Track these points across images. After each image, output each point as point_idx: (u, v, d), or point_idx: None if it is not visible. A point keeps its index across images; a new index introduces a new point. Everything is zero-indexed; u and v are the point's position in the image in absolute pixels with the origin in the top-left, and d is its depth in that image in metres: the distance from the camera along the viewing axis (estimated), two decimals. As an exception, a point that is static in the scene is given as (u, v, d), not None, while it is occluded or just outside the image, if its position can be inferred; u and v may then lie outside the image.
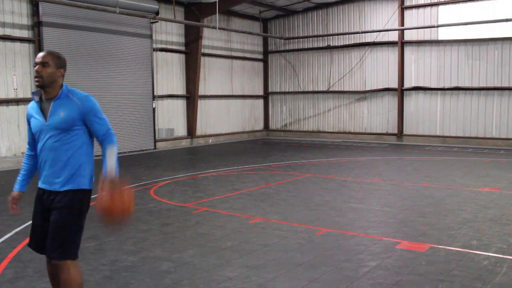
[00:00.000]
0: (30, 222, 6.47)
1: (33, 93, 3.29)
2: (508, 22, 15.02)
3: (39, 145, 3.28)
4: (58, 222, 3.21)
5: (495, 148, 15.34)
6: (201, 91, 17.84)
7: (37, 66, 3.18)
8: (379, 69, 18.18)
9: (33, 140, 3.41)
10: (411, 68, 17.44)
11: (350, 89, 18.95)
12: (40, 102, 3.26)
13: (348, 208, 7.24)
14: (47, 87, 3.20)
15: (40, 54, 3.23)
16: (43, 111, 3.24)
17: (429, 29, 16.74)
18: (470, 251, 5.12)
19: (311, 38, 19.78)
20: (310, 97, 20.07)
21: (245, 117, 20.41)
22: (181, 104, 17.46)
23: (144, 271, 4.61)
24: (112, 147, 3.25)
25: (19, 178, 3.62)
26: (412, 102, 17.55)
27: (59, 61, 3.24)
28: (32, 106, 3.32)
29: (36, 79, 3.18)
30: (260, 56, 21.06)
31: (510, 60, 15.60)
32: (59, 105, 3.20)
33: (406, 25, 17.28)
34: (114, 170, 3.16)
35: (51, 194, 3.28)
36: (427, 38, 17.01)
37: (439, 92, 16.94)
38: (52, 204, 3.25)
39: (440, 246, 5.29)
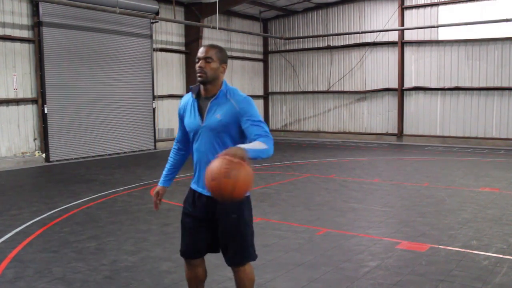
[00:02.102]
0: (31, 222, 6.51)
1: (191, 88, 3.13)
2: (508, 22, 15.02)
3: (194, 145, 3.12)
4: (232, 230, 3.07)
5: (495, 148, 15.33)
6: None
7: (200, 61, 2.98)
8: (379, 69, 18.17)
9: (183, 136, 3.27)
10: (411, 68, 17.44)
11: (350, 89, 18.94)
12: (197, 99, 3.09)
13: (348, 208, 7.24)
14: (209, 84, 3.01)
15: (203, 48, 3.02)
16: (200, 110, 3.06)
17: (429, 29, 16.73)
18: (470, 251, 5.12)
19: (311, 38, 19.78)
20: (310, 97, 20.07)
21: (245, 117, 20.38)
22: (181, 104, 17.43)
23: (144, 271, 4.61)
24: (261, 144, 2.83)
25: (164, 173, 3.52)
26: (412, 102, 17.55)
27: (221, 56, 3.04)
28: (187, 101, 3.15)
29: (199, 75, 2.98)
30: (260, 56, 21.07)
31: (510, 60, 15.60)
32: (216, 105, 3.00)
33: (406, 25, 17.28)
34: (247, 150, 2.71)
35: (209, 199, 3.05)
36: (427, 38, 17.00)
37: (439, 92, 16.93)
38: (217, 210, 3.07)
39: (440, 246, 5.29)
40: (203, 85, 3.03)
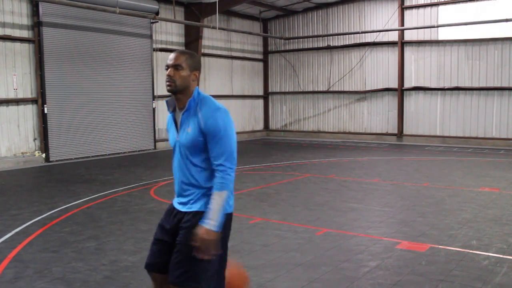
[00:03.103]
0: (31, 222, 6.51)
1: (166, 102, 2.90)
2: (508, 22, 15.02)
3: (174, 161, 2.88)
4: (184, 243, 2.71)
5: (495, 148, 15.33)
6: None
7: (169, 69, 2.75)
8: (379, 69, 18.17)
9: None
10: (411, 68, 17.44)
11: (350, 89, 18.94)
12: (174, 113, 2.88)
13: (348, 208, 7.24)
14: (179, 94, 2.77)
15: (172, 55, 2.78)
16: (176, 123, 2.86)
17: (429, 29, 16.73)
18: (470, 251, 5.12)
19: (311, 38, 19.78)
20: (310, 97, 20.07)
21: (245, 117, 20.40)
22: (181, 104, 17.43)
23: (144, 271, 4.59)
24: (218, 195, 2.64)
25: None
26: (412, 102, 17.55)
27: (193, 62, 2.79)
28: (169, 116, 2.95)
29: (167, 84, 2.76)
30: (260, 56, 21.06)
31: (510, 60, 15.59)
32: (186, 118, 2.76)
33: (406, 25, 17.27)
34: (213, 227, 2.61)
35: (180, 214, 2.84)
36: (427, 38, 17.00)
37: (439, 92, 16.93)
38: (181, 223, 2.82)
39: (440, 246, 5.29)
40: (173, 94, 2.80)
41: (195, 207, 2.76)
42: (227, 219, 2.79)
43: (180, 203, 2.84)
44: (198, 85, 2.86)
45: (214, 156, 2.68)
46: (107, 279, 4.41)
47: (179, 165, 2.82)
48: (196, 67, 2.81)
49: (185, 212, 2.78)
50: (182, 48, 17.28)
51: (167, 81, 2.77)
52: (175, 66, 2.74)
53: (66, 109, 13.17)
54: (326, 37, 19.29)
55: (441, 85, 16.85)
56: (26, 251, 5.25)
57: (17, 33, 12.33)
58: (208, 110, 2.72)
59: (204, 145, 2.72)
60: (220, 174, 2.66)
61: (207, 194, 2.75)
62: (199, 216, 2.71)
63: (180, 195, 2.85)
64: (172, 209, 2.91)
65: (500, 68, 15.75)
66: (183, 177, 2.80)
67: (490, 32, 15.68)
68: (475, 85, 16.21)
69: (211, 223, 2.61)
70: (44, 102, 12.65)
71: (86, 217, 6.76)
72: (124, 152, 14.69)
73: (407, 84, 17.54)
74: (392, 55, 17.76)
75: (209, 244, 2.60)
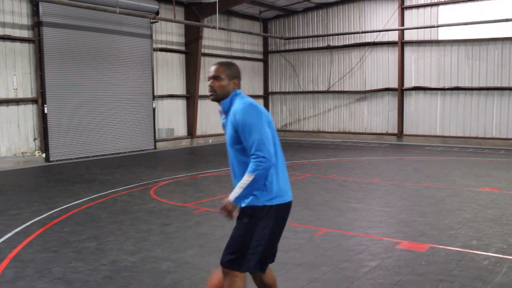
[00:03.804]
0: (31, 222, 6.51)
1: (219, 111, 3.25)
2: (508, 22, 15.02)
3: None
4: (237, 231, 3.11)
5: (495, 148, 15.34)
6: (201, 91, 17.83)
7: (210, 81, 3.11)
8: (379, 69, 18.17)
9: None
10: (411, 68, 17.44)
11: (350, 89, 18.95)
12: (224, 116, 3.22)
13: (348, 208, 7.24)
14: (221, 101, 3.12)
15: (213, 67, 3.13)
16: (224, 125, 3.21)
17: (429, 29, 16.73)
18: (470, 251, 5.12)
19: (311, 38, 19.78)
20: (310, 97, 20.07)
21: (245, 117, 20.38)
22: (181, 104, 17.46)
23: (144, 271, 4.61)
24: (248, 177, 2.94)
25: None
26: (412, 102, 17.55)
27: (231, 72, 3.12)
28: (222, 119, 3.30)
29: (209, 94, 3.15)
30: (260, 56, 21.07)
31: (510, 60, 15.60)
32: (226, 119, 3.13)
33: (406, 25, 17.28)
34: (234, 199, 3.01)
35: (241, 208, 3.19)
36: (427, 38, 17.00)
37: (439, 92, 16.94)
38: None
39: (440, 246, 5.29)
40: (216, 102, 3.15)
41: (244, 202, 3.06)
42: (270, 212, 3.05)
43: None
44: (238, 88, 3.17)
45: (248, 148, 2.96)
46: (107, 279, 4.41)
47: (231, 162, 3.17)
48: (234, 76, 3.13)
49: (242, 207, 3.12)
50: (183, 48, 17.29)
51: (209, 91, 3.13)
52: (215, 77, 3.09)
53: (66, 109, 13.17)
54: (326, 37, 19.29)
55: (441, 85, 16.85)
56: (26, 251, 5.25)
57: (17, 33, 12.34)
58: (237, 108, 3.01)
59: (240, 141, 3.00)
60: (254, 161, 2.93)
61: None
62: (248, 209, 3.04)
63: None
64: None
65: (500, 68, 15.75)
66: (233, 174, 3.17)
67: (490, 32, 15.68)
68: (475, 85, 16.21)
69: (232, 195, 3.01)
70: (44, 102, 12.65)
71: (86, 217, 6.76)
72: (124, 152, 14.69)
73: (407, 84, 17.54)
74: (392, 55, 17.76)
75: (225, 210, 3.05)
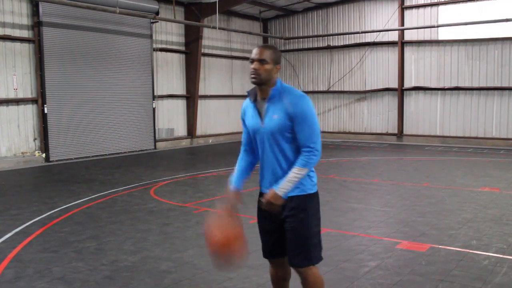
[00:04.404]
0: (31, 222, 6.51)
1: (248, 92, 3.12)
2: (508, 22, 15.02)
3: (259, 149, 3.11)
4: (294, 229, 3.04)
5: (495, 148, 15.33)
6: (201, 91, 17.84)
7: (254, 63, 2.97)
8: (379, 69, 18.17)
9: (248, 138, 3.23)
10: (411, 68, 17.44)
11: (350, 89, 18.95)
12: (255, 102, 3.09)
13: (348, 208, 7.24)
14: (263, 85, 3.00)
15: (257, 50, 3.00)
16: (259, 111, 3.06)
17: (429, 29, 16.73)
18: (470, 251, 5.12)
19: (311, 38, 19.78)
20: (310, 97, 19.92)
21: (245, 117, 20.38)
22: (181, 104, 17.46)
23: (144, 271, 4.61)
24: (298, 170, 2.94)
25: (233, 177, 3.32)
26: (412, 102, 17.55)
27: (275, 57, 3.01)
28: (247, 104, 3.17)
29: (252, 76, 2.98)
30: (260, 56, 21.02)
31: (510, 60, 15.59)
32: (272, 105, 2.99)
33: (406, 25, 17.27)
34: (282, 193, 2.95)
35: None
36: (427, 38, 17.00)
37: (439, 92, 16.93)
38: (284, 212, 3.06)
39: (440, 246, 5.29)
40: (258, 86, 3.03)
41: (291, 193, 2.99)
42: (316, 197, 3.15)
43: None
44: (278, 76, 3.09)
45: (302, 139, 2.93)
46: (107, 279, 4.41)
47: (267, 151, 3.04)
48: (277, 61, 3.03)
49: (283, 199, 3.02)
50: (183, 48, 17.29)
51: (252, 74, 2.97)
52: (260, 60, 2.96)
53: (66, 109, 13.17)
54: (326, 37, 19.29)
55: (441, 85, 16.85)
56: (26, 251, 5.26)
57: (17, 33, 12.34)
58: (295, 97, 2.97)
59: (291, 130, 2.94)
60: (307, 154, 2.93)
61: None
62: (296, 199, 3.01)
63: (271, 182, 3.06)
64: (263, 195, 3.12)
65: (500, 68, 15.75)
66: (272, 164, 3.04)
67: (490, 32, 15.68)
68: (475, 85, 16.21)
69: (281, 190, 2.94)
70: (44, 102, 12.65)
71: (86, 217, 6.76)
72: (124, 152, 14.69)
73: (407, 84, 17.54)
74: (392, 55, 17.76)
75: (273, 207, 2.98)
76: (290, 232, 3.04)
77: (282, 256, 3.23)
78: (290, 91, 3.01)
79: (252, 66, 2.98)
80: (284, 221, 3.07)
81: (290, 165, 2.99)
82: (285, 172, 3.00)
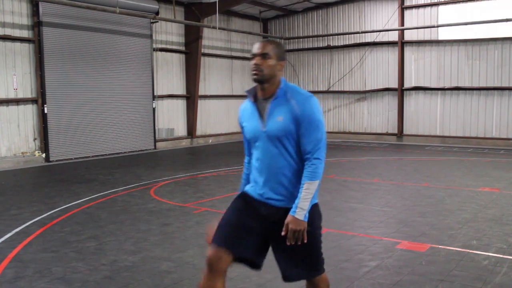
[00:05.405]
0: (31, 222, 6.51)
1: (246, 92, 2.82)
2: (508, 22, 15.02)
3: (255, 153, 2.82)
4: (307, 243, 2.74)
5: (495, 148, 15.33)
6: (201, 91, 17.84)
7: (256, 58, 2.69)
8: (379, 69, 18.17)
9: (249, 146, 2.96)
10: (411, 68, 17.44)
11: (350, 89, 18.95)
12: (255, 103, 2.78)
13: (348, 208, 7.24)
14: (265, 83, 2.71)
15: (259, 44, 2.73)
16: (260, 113, 2.76)
17: (429, 29, 16.73)
18: (470, 251, 5.12)
19: (311, 38, 19.78)
20: (310, 97, 20.04)
21: (245, 117, 20.38)
22: (181, 104, 17.46)
23: (144, 271, 4.61)
24: (309, 185, 2.63)
25: (240, 187, 3.11)
26: (412, 102, 17.55)
27: (279, 52, 2.73)
28: (246, 107, 2.85)
29: (254, 73, 2.69)
30: (260, 56, 21.02)
31: (510, 60, 15.59)
32: (277, 106, 2.69)
33: (406, 25, 17.27)
34: (303, 216, 2.62)
35: (272, 209, 2.79)
36: (427, 38, 17.00)
37: (439, 92, 16.93)
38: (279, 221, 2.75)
39: (440, 246, 5.29)
40: (259, 84, 2.73)
41: (289, 203, 2.73)
42: (317, 206, 2.87)
43: (269, 198, 2.77)
44: (282, 75, 2.81)
45: (307, 144, 2.64)
46: (107, 279, 4.41)
47: (269, 156, 2.73)
48: (282, 57, 2.76)
49: (280, 208, 2.75)
50: (183, 48, 17.29)
51: (253, 70, 2.70)
52: (263, 55, 2.69)
53: (66, 109, 13.17)
54: (326, 37, 19.29)
55: (441, 85, 16.85)
56: (26, 251, 5.25)
57: (17, 33, 12.33)
58: (302, 97, 2.67)
59: (295, 134, 2.66)
60: (313, 164, 2.64)
61: (297, 187, 2.72)
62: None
63: (266, 187, 2.76)
64: (254, 200, 2.83)
65: (500, 68, 15.75)
66: (273, 170, 2.73)
67: (490, 32, 15.68)
68: (475, 85, 16.21)
69: (300, 213, 2.61)
70: (44, 102, 12.65)
71: (86, 217, 6.76)
72: (124, 152, 14.69)
73: (407, 84, 17.54)
74: (392, 55, 17.76)
75: (299, 234, 2.63)
76: (299, 248, 2.74)
77: (241, 255, 2.80)
78: (297, 90, 2.73)
79: (254, 61, 2.71)
80: (278, 235, 2.76)
81: (294, 172, 2.73)
82: (288, 180, 2.73)
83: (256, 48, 2.73)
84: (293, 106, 2.66)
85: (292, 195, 2.74)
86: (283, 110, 2.67)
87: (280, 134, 2.67)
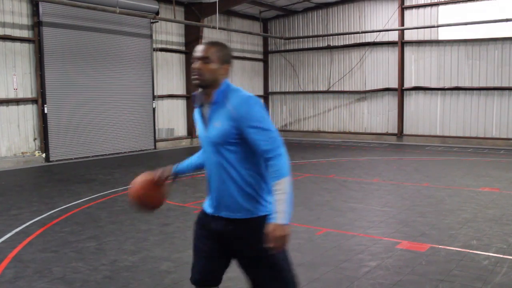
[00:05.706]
0: (31, 222, 6.51)
1: (193, 96, 2.67)
2: (508, 22, 15.02)
3: (204, 157, 2.70)
4: (261, 258, 2.57)
5: (495, 148, 15.33)
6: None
7: (196, 62, 2.55)
8: (379, 69, 18.17)
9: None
10: (411, 68, 17.44)
11: (350, 89, 18.94)
12: (201, 107, 2.65)
13: (348, 208, 7.24)
14: (207, 88, 2.56)
15: (201, 47, 2.56)
16: (203, 117, 2.64)
17: (429, 29, 16.73)
18: (470, 251, 5.12)
19: (311, 38, 19.78)
20: (310, 97, 20.06)
21: (245, 117, 20.38)
22: (181, 104, 17.46)
23: (144, 271, 4.61)
24: (279, 182, 2.43)
25: (180, 163, 3.01)
26: (412, 102, 17.55)
27: (223, 55, 2.57)
28: (196, 111, 2.74)
29: (193, 77, 2.55)
30: (260, 56, 21.06)
31: (510, 60, 15.59)
32: (215, 111, 2.54)
33: (406, 25, 17.27)
34: (284, 222, 2.41)
35: (223, 221, 2.64)
36: (427, 38, 17.00)
37: (439, 92, 16.93)
38: (238, 237, 2.62)
39: (440, 246, 5.29)
40: (201, 88, 2.59)
41: (243, 214, 2.57)
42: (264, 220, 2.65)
43: (220, 210, 2.63)
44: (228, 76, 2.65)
45: (259, 144, 2.45)
46: (107, 279, 4.41)
47: (210, 163, 2.61)
48: (226, 60, 2.59)
49: (233, 220, 2.58)
50: (183, 48, 17.29)
51: (193, 75, 2.56)
52: (204, 59, 2.54)
53: (66, 109, 13.17)
54: (326, 37, 19.28)
55: (441, 85, 16.85)
56: (26, 251, 5.25)
57: (17, 33, 12.33)
58: (239, 99, 2.50)
59: (237, 140, 2.50)
60: (274, 162, 2.44)
61: (250, 196, 2.56)
62: (252, 222, 2.55)
63: (217, 199, 2.63)
64: (207, 215, 2.73)
65: (500, 68, 15.75)
66: (220, 179, 2.58)
67: (490, 32, 15.67)
68: (475, 85, 16.21)
69: (280, 217, 2.40)
70: (44, 102, 12.65)
71: (86, 217, 6.76)
72: (124, 152, 14.69)
73: (407, 84, 17.54)
74: (392, 55, 17.76)
75: (283, 240, 2.40)
76: (256, 262, 2.57)
77: (216, 285, 2.76)
78: (236, 93, 2.53)
79: (194, 65, 2.56)
80: (239, 249, 2.62)
81: (242, 179, 2.54)
82: (237, 189, 2.55)
83: (197, 51, 2.58)
84: (230, 109, 2.49)
85: (243, 205, 2.57)
86: (221, 115, 2.52)
87: (219, 141, 2.52)
